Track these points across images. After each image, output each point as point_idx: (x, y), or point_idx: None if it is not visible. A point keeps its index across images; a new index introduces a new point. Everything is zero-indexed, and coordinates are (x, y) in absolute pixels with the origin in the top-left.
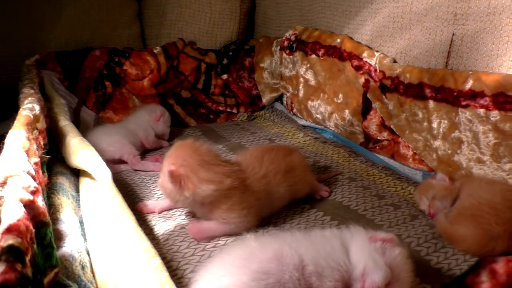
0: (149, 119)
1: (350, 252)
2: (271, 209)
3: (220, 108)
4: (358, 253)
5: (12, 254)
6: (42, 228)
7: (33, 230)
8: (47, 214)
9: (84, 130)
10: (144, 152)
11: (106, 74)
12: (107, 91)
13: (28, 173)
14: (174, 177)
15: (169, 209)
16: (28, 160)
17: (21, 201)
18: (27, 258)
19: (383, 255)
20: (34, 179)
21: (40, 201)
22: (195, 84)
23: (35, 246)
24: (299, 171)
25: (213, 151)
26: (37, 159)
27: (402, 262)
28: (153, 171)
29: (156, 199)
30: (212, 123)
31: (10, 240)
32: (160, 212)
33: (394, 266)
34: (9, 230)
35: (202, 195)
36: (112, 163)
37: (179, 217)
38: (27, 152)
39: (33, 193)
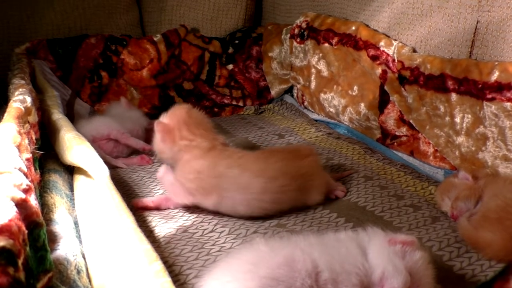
0: (128, 111)
1: (367, 255)
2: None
3: (225, 101)
4: (376, 257)
5: (4, 256)
6: (35, 229)
7: (26, 231)
8: (40, 214)
9: (78, 124)
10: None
11: (102, 63)
12: (103, 82)
13: (20, 169)
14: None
15: (166, 208)
16: (20, 156)
17: (13, 200)
18: (20, 261)
19: (403, 259)
20: (26, 177)
21: (32, 200)
22: (198, 75)
23: (27, 248)
24: (309, 168)
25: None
26: (29, 155)
27: (423, 267)
28: (139, 164)
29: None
30: (217, 117)
31: (1, 242)
32: (155, 205)
33: (415, 271)
34: (1, 231)
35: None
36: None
37: (181, 218)
38: (19, 147)
39: (26, 191)
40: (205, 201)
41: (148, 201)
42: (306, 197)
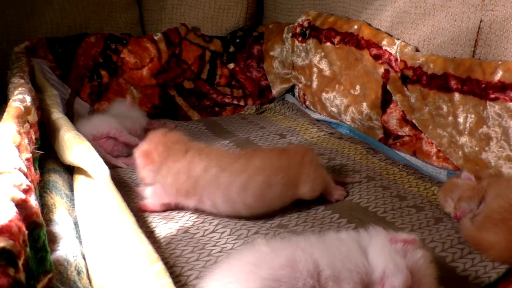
0: (130, 109)
1: (368, 253)
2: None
3: (226, 100)
4: (377, 255)
5: (4, 257)
6: (35, 230)
7: (26, 232)
8: (40, 215)
9: (78, 123)
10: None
11: (102, 62)
12: (103, 81)
13: (20, 170)
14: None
15: (171, 209)
16: (20, 156)
17: (13, 200)
18: (20, 262)
19: (404, 257)
20: (26, 177)
21: (32, 201)
22: (199, 74)
23: (28, 249)
24: (297, 161)
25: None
26: (28, 155)
27: (424, 266)
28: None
29: None
30: (218, 116)
31: (1, 243)
32: (162, 210)
33: (416, 270)
34: (1, 231)
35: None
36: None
37: (182, 219)
38: (18, 147)
39: (25, 191)
40: (186, 201)
41: (156, 206)
42: (296, 191)
